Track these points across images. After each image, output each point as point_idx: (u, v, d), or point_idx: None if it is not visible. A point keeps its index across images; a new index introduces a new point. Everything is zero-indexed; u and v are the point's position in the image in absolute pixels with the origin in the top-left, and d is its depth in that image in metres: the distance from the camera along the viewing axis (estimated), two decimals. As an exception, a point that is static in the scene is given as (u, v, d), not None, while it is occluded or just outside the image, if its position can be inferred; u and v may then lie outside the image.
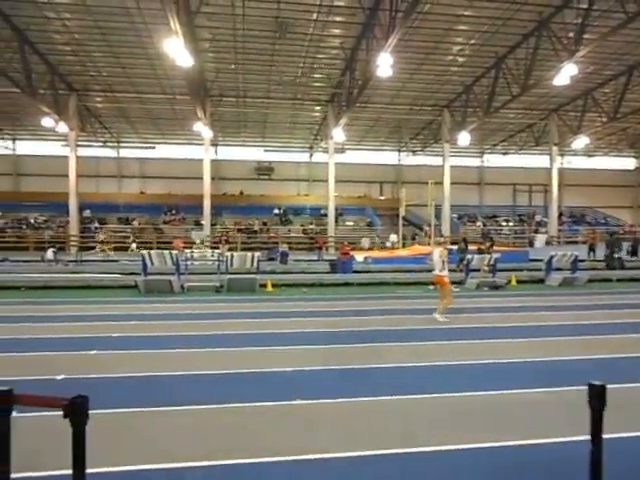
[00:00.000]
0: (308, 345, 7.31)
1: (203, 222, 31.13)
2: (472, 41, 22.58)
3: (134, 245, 29.40)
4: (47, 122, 27.52)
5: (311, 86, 28.21)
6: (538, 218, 40.13)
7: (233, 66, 25.32)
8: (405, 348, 7.24)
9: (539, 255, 21.25)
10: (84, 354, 6.72)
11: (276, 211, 38.06)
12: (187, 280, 14.69)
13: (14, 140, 38.74)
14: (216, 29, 21.49)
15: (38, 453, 3.51)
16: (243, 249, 26.94)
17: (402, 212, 29.66)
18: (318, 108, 31.92)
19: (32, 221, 34.50)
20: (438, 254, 9.74)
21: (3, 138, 37.88)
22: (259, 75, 26.47)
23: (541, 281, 16.65)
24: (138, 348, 7.14)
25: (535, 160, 41.02)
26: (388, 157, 42.70)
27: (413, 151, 40.30)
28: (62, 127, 28.02)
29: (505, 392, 5.18)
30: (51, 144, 37.69)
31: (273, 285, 15.05)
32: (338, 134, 29.23)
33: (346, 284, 16.25)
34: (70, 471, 3.11)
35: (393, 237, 31.74)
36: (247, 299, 12.63)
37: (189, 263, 16.63)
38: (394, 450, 3.81)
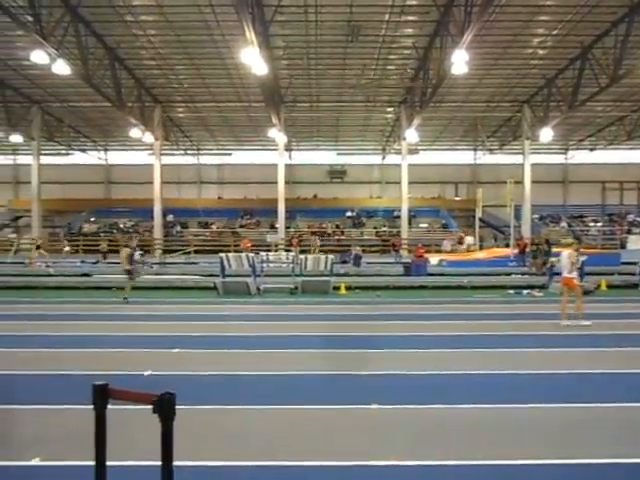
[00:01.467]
0: (386, 349, 7.23)
1: (277, 225, 31.83)
2: (555, 31, 21.38)
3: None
4: (135, 133, 29.39)
5: (383, 88, 28.00)
6: (631, 218, 37.16)
7: (305, 72, 25.72)
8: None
9: (633, 258, 19.68)
10: (167, 352, 7.08)
11: (349, 213, 38.14)
12: (263, 282, 15.08)
13: (106, 150, 41.73)
14: (289, 36, 21.93)
15: (129, 444, 3.73)
16: (319, 252, 27.22)
17: (479, 213, 28.62)
18: (390, 109, 31.63)
19: (122, 226, 36.98)
20: (567, 256, 9.32)
21: (96, 149, 40.91)
22: (331, 79, 26.67)
23: (635, 286, 15.41)
24: (217, 347, 7.41)
25: (627, 155, 37.98)
26: (463, 157, 41.41)
27: (490, 149, 38.81)
28: (148, 137, 29.80)
29: None
30: (138, 153, 40.21)
31: (346, 288, 15.07)
32: (411, 135, 28.77)
33: (420, 287, 15.94)
34: (157, 462, 3.29)
35: (469, 239, 30.70)
36: (321, 301, 12.73)
37: (265, 265, 17.07)
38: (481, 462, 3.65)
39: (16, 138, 30.65)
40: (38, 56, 18.00)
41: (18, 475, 3.46)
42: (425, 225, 37.13)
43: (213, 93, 28.73)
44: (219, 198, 40.64)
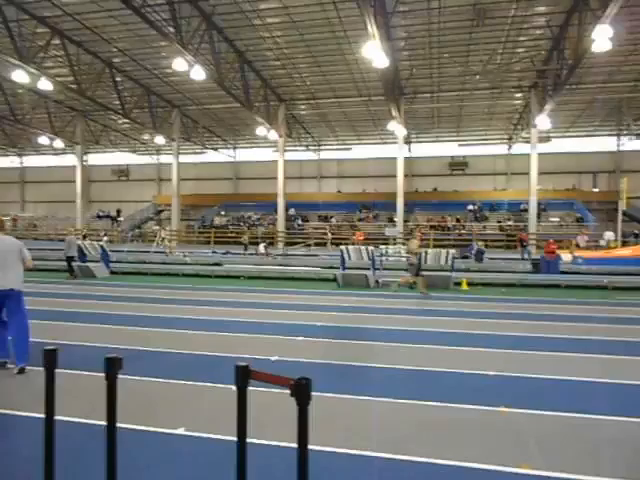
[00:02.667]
0: (513, 349, 6.81)
1: (396, 219, 31.54)
2: None
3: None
4: (261, 131, 31.01)
5: (511, 72, 26.28)
6: None
7: (426, 62, 25.03)
8: None
9: None
10: (292, 339, 7.36)
11: (470, 207, 36.54)
12: (381, 275, 15.05)
13: (234, 148, 44.61)
14: (411, 26, 21.49)
15: (262, 424, 3.94)
16: (435, 246, 26.51)
17: (622, 205, 25.71)
18: (519, 95, 29.59)
19: (252, 219, 39.33)
20: None
21: (226, 147, 43.91)
22: (454, 67, 25.65)
23: None
24: (339, 337, 7.55)
25: None
26: (604, 143, 37.41)
27: (637, 134, 34.59)
28: (272, 135, 31.26)
29: None
30: (263, 150, 42.42)
31: (468, 284, 14.47)
32: (542, 121, 26.64)
33: (552, 286, 14.75)
34: (287, 443, 3.46)
35: (609, 234, 27.72)
36: (441, 297, 12.37)
37: (383, 259, 16.99)
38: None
39: (159, 140, 34.00)
40: (179, 64, 19.75)
41: (165, 441, 3.83)
42: (556, 219, 34.27)
43: (334, 89, 29.22)
44: (338, 192, 41.38)
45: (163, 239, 28.60)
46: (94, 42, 23.82)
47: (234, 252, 26.60)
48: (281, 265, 20.44)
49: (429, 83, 28.11)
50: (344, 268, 15.08)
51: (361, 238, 26.93)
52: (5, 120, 33.86)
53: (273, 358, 6.16)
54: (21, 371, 5.28)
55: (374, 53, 17.26)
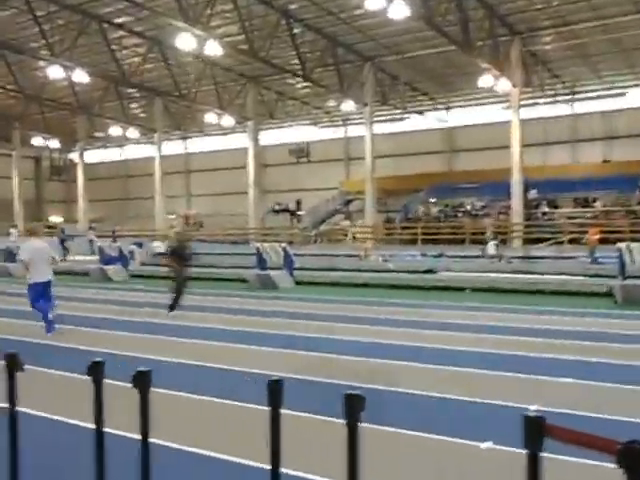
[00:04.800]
0: None
1: None
2: None
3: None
4: (485, 81, 30.44)
5: None
6: None
7: None
8: None
9: None
10: (560, 381, 7.00)
11: None
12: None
13: (447, 109, 44.52)
14: None
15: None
16: None
17: None
18: None
19: (468, 207, 38.87)
20: None
21: (435, 108, 44.05)
22: None
23: None
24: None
25: None
26: None
27: None
28: (502, 84, 30.42)
29: None
30: (488, 109, 41.53)
31: None
32: None
33: None
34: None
35: None
36: None
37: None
38: None
39: (348, 105, 35.68)
40: (373, 0, 20.44)
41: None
42: None
43: (595, 6, 27.15)
44: (605, 162, 38.34)
45: (354, 238, 29.92)
46: (267, -13, 26.06)
47: (452, 255, 26.52)
48: (520, 272, 19.80)
49: None
50: (624, 277, 13.95)
51: (596, 237, 23.78)
52: (169, 97, 39.08)
53: (532, 407, 5.93)
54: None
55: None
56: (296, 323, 11.48)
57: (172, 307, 12.30)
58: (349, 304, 14.39)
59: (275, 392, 2.65)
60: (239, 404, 6.13)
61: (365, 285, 18.67)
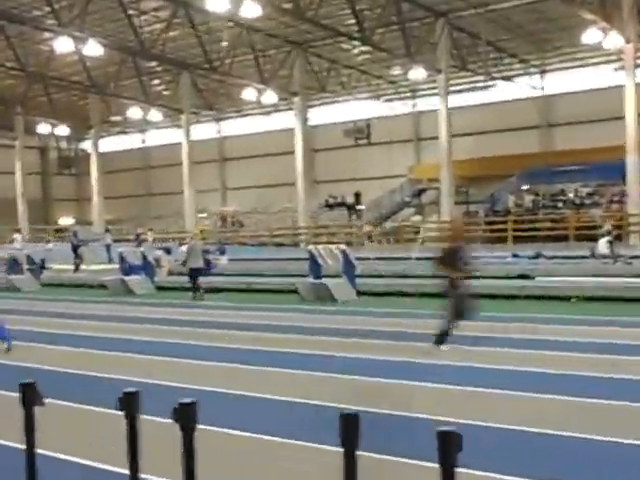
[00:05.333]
0: None
1: None
2: None
3: None
4: (590, 36, 29.94)
5: None
6: None
7: None
8: None
9: None
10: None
11: None
12: None
13: (542, 74, 43.80)
14: None
15: None
16: None
17: None
18: None
19: (571, 195, 38.11)
20: None
21: (528, 73, 43.35)
22: None
23: None
24: None
25: None
26: None
27: None
28: (612, 40, 29.77)
29: None
30: (594, 72, 40.74)
31: None
32: None
33: None
34: None
35: None
36: None
37: None
38: None
39: (417, 73, 35.42)
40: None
41: None
42: None
43: None
44: None
45: (422, 240, 29.69)
46: None
47: (552, 255, 25.99)
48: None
49: None
50: None
51: None
52: (198, 70, 39.44)
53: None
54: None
55: None
56: (362, 343, 11.42)
57: (442, 336, 10.38)
58: (426, 318, 14.18)
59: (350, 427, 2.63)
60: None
61: (442, 295, 18.33)
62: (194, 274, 19.34)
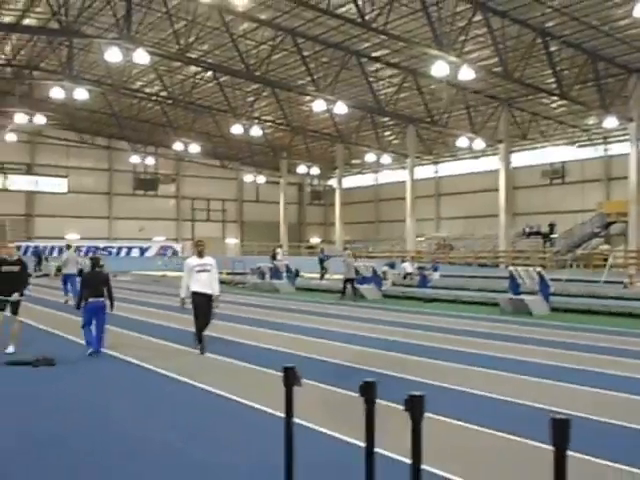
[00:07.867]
0: None
1: None
2: None
3: None
4: None
5: None
6: None
7: None
8: None
9: None
10: None
11: None
12: None
13: None
14: None
15: None
16: None
17: None
18: None
19: None
20: None
21: None
22: None
23: None
24: None
25: None
26: None
27: None
28: None
29: None
30: None
31: None
32: None
33: None
34: None
35: None
36: None
37: None
38: None
39: (610, 122, 32.99)
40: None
41: None
42: None
43: None
44: None
45: (611, 266, 27.69)
46: (522, 7, 25.18)
47: None
48: None
49: None
50: None
51: None
52: (421, 123, 39.73)
53: None
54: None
55: None
56: (555, 353, 10.72)
57: None
58: (612, 335, 13.09)
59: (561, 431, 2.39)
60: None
61: (629, 315, 16.87)
62: (349, 283, 21.78)
